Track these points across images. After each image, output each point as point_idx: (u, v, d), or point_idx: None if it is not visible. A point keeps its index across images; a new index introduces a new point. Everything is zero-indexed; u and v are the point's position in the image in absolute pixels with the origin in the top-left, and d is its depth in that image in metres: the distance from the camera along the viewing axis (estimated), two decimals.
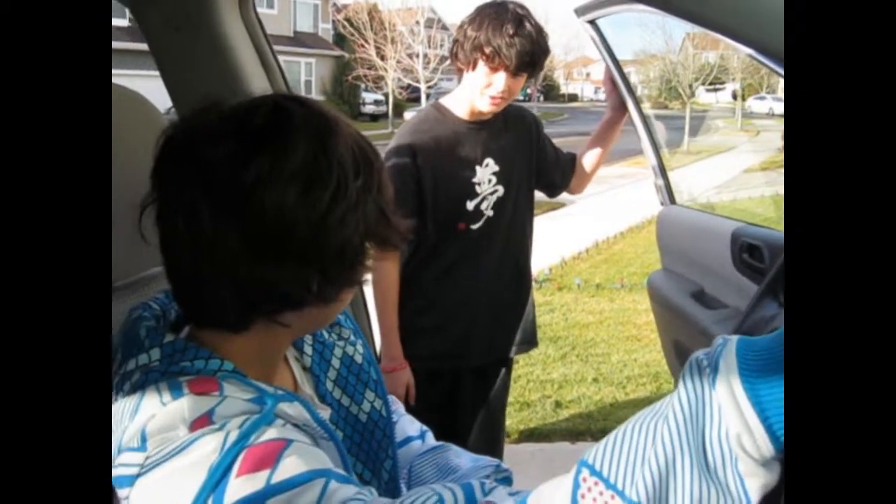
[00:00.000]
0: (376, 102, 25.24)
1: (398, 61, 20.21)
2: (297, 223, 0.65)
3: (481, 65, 1.68)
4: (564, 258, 6.61)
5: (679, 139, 18.16)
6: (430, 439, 1.04)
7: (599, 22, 2.01)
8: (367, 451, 0.88)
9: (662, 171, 2.14)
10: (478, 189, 1.79)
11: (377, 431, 0.89)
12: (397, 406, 1.06)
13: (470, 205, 1.78)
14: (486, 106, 1.73)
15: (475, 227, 1.80)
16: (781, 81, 1.20)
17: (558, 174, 1.97)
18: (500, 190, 1.81)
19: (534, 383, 3.69)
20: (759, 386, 0.51)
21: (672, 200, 2.18)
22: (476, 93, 1.72)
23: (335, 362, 0.89)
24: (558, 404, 3.44)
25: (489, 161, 1.80)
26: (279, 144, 0.65)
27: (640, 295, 5.32)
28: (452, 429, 1.89)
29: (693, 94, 23.28)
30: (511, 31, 1.64)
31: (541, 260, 6.45)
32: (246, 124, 0.67)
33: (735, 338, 0.55)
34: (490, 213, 1.80)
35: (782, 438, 0.50)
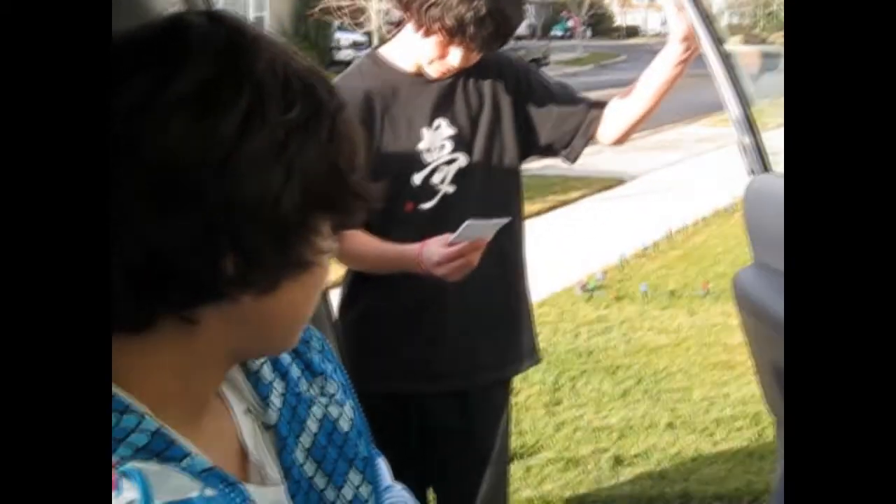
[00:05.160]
0: (356, 45, 25.29)
1: None
2: (190, 163, 0.65)
3: (436, 35, 1.77)
4: (624, 256, 6.64)
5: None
6: None
7: None
8: None
9: (750, 125, 2.16)
10: (426, 158, 1.89)
11: None
12: (397, 494, 1.03)
13: (417, 178, 1.89)
14: (434, 73, 1.87)
15: (427, 206, 1.90)
16: None
17: (559, 131, 2.02)
18: (461, 159, 1.91)
19: (583, 432, 3.71)
20: None
21: (765, 167, 2.19)
22: (423, 59, 1.85)
23: (311, 424, 0.87)
24: (619, 460, 3.46)
25: (441, 122, 1.90)
26: (164, 61, 0.67)
27: (732, 305, 5.32)
28: (420, 478, 1.95)
29: None
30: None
31: (591, 260, 6.50)
32: (129, 46, 0.69)
33: None
34: (449, 188, 1.90)
35: None
